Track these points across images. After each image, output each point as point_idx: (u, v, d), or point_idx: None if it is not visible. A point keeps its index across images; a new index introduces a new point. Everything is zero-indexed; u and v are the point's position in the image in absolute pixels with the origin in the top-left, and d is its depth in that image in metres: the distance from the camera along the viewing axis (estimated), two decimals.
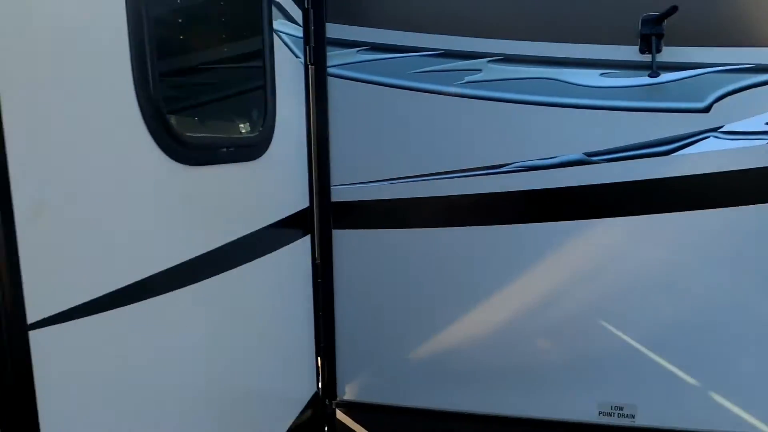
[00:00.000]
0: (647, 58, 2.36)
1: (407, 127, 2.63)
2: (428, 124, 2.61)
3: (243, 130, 2.06)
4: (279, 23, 2.27)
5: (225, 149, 1.78)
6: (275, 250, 2.31)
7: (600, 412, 2.65)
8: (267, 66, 2.12)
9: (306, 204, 2.64)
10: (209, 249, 1.75)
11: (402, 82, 2.60)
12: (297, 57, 2.49)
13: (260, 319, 2.25)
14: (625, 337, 2.58)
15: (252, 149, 2.01)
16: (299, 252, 2.60)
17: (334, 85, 2.66)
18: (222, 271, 1.85)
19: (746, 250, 2.42)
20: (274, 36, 2.22)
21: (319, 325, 2.81)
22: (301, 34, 2.50)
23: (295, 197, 2.51)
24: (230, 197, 1.90)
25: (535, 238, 2.58)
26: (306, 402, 2.71)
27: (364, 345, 2.88)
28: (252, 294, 2.14)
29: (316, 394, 2.84)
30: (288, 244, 2.45)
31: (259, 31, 2.07)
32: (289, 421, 2.50)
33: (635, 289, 2.54)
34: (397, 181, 2.68)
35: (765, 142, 2.33)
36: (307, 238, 2.67)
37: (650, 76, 2.32)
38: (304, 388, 2.73)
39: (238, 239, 1.96)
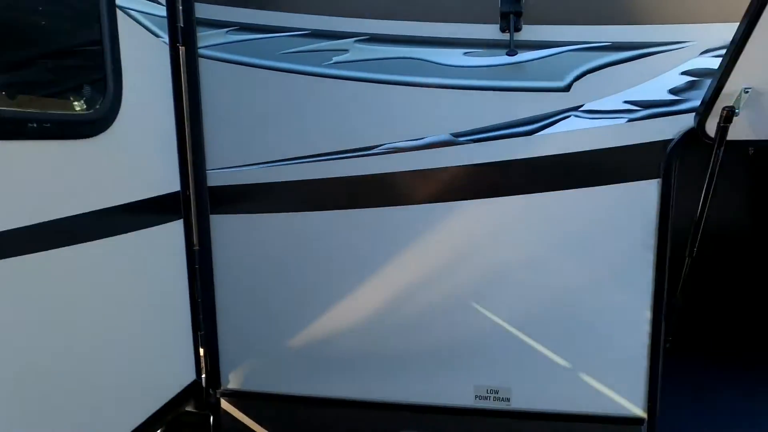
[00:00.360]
0: (508, 36, 2.34)
1: (280, 109, 2.58)
2: (300, 106, 2.56)
3: (78, 108, 1.99)
4: (129, 0, 2.21)
5: (34, 124, 1.72)
6: (128, 232, 2.26)
7: (476, 396, 2.63)
8: (107, 45, 2.06)
9: (176, 188, 2.58)
10: (15, 226, 1.69)
11: (272, 63, 2.55)
12: (158, 36, 2.43)
13: (112, 302, 2.20)
14: (498, 320, 2.56)
15: (82, 127, 1.95)
16: (167, 236, 2.55)
17: (205, 67, 2.61)
18: (39, 250, 1.80)
19: (612, 229, 2.41)
20: (123, 15, 2.16)
21: (197, 312, 2.75)
22: (161, 13, 2.44)
23: (156, 180, 2.45)
24: (49, 173, 1.84)
25: (409, 220, 2.55)
26: (180, 390, 2.65)
27: (247, 333, 2.83)
28: (93, 276, 2.08)
29: (195, 383, 2.78)
30: (148, 227, 2.39)
31: (94, 9, 2.01)
32: (153, 409, 2.44)
33: (506, 271, 2.52)
34: (272, 164, 2.63)
35: (624, 120, 2.32)
36: (179, 223, 2.61)
37: (508, 54, 2.30)
38: (177, 375, 2.67)
39: (66, 218, 1.90)
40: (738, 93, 1.94)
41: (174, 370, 2.66)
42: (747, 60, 1.82)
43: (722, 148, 2.02)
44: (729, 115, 1.96)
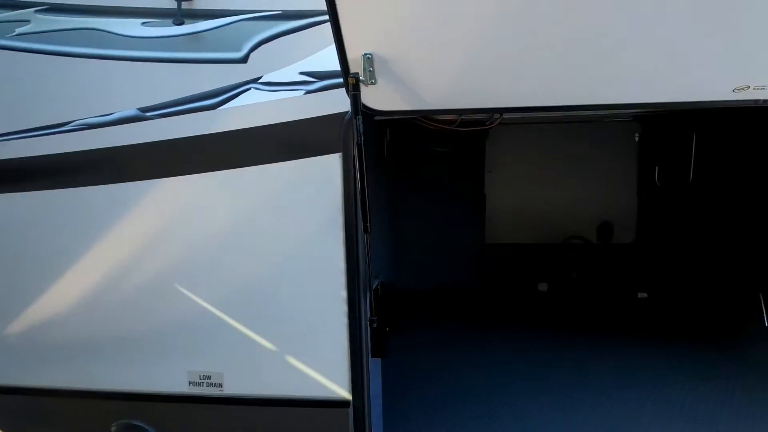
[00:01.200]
0: (186, 5, 2.23)
1: None
2: None
3: None
4: None
5: None
6: None
7: (190, 382, 2.53)
8: None
9: None
10: None
11: None
12: None
13: None
14: (205, 304, 2.46)
15: None
16: None
17: None
18: None
19: (301, 206, 2.33)
20: None
21: None
22: None
23: None
24: None
25: (107, 201, 2.44)
26: None
27: None
28: None
29: None
30: None
31: None
32: None
33: (203, 253, 2.42)
34: None
35: (302, 92, 2.23)
36: None
37: (175, 23, 2.20)
38: None
39: None
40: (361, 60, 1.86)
41: None
42: (348, 24, 1.74)
43: (359, 117, 1.94)
44: (356, 82, 1.88)
